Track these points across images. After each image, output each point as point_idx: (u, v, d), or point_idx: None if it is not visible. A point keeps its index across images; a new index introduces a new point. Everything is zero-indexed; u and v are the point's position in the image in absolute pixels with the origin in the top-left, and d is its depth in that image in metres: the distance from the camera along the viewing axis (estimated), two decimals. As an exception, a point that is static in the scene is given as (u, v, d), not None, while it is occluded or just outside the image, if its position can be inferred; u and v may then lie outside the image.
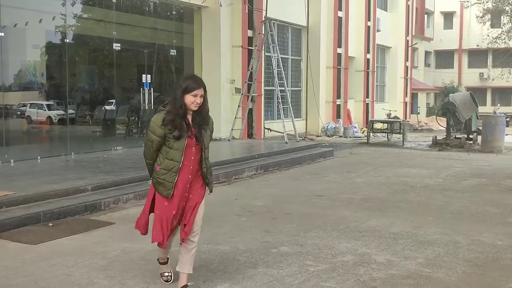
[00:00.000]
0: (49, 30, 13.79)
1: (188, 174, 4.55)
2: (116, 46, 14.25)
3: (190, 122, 4.52)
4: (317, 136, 21.71)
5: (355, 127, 23.82)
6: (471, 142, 18.80)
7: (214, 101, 16.81)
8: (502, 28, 36.30)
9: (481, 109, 21.94)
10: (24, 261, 5.63)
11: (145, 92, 15.08)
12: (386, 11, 31.47)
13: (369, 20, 27.38)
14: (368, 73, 27.65)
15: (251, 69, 17.47)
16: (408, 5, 33.29)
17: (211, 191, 4.79)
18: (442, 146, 18.41)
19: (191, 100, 4.42)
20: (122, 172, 10.18)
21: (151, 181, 4.71)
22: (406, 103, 33.58)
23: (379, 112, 28.39)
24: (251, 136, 18.03)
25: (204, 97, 4.51)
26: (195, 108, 4.47)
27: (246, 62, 17.46)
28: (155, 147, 4.51)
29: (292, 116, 17.93)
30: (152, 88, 15.26)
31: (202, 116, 4.55)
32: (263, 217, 7.74)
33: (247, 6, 17.37)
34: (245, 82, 17.27)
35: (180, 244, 4.68)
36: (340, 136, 22.29)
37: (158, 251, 4.98)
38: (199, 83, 4.47)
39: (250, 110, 17.85)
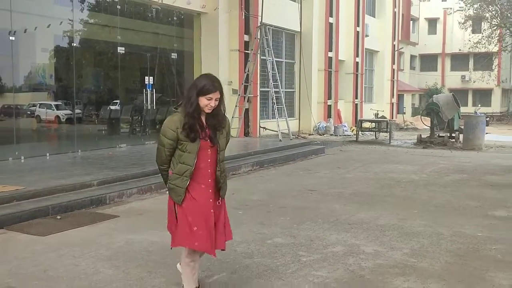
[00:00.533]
0: (57, 35, 13.75)
1: (207, 178, 4.05)
2: (120, 50, 14.22)
3: (204, 123, 4.02)
4: (310, 134, 21.71)
5: (345, 126, 23.83)
6: (454, 140, 18.83)
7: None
8: (482, 33, 36.37)
9: (463, 110, 21.94)
10: (33, 251, 5.62)
11: (147, 93, 15.09)
12: (374, 17, 31.46)
13: (358, 25, 27.36)
14: (357, 75, 27.65)
15: (248, 71, 17.45)
16: (395, 12, 33.29)
17: (222, 197, 4.20)
18: (426, 144, 18.44)
19: (205, 103, 3.92)
20: (126, 168, 10.16)
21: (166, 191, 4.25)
22: (392, 103, 33.61)
23: (367, 112, 28.41)
24: (247, 134, 18.01)
25: (221, 98, 3.97)
26: (209, 111, 3.97)
27: (243, 65, 17.45)
28: (167, 152, 4.01)
29: (286, 116, 17.92)
30: (154, 89, 15.27)
31: (217, 119, 4.04)
32: (258, 211, 7.74)
33: (243, 13, 17.35)
34: (242, 83, 17.26)
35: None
36: (331, 135, 22.30)
37: (185, 271, 4.25)
38: (215, 86, 3.93)
39: (247, 110, 17.83)
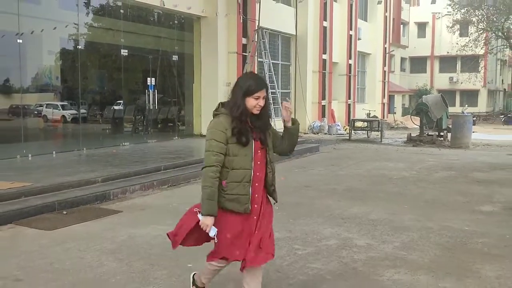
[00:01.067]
0: (63, 38, 13.75)
1: (258, 182, 3.52)
2: (124, 52, 14.20)
3: (250, 124, 3.52)
4: (304, 133, 21.69)
5: (338, 125, 23.83)
6: (442, 138, 18.85)
7: (212, 102, 16.75)
8: (469, 37, 36.47)
9: (451, 109, 21.98)
10: (41, 245, 5.61)
11: (149, 94, 15.09)
12: (366, 21, 31.45)
13: (351, 29, 27.36)
14: (350, 77, 27.65)
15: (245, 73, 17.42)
16: (386, 16, 33.29)
17: (276, 201, 3.70)
18: (416, 142, 18.46)
19: (253, 104, 3.43)
20: (129, 165, 10.14)
21: (197, 209, 3.52)
22: (384, 104, 33.61)
23: (360, 112, 28.40)
24: (245, 133, 17.98)
25: (266, 97, 3.52)
26: (257, 112, 3.47)
27: (241, 66, 17.41)
28: (218, 157, 3.36)
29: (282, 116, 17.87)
30: (156, 90, 15.27)
31: (263, 120, 3.55)
32: (256, 206, 7.72)
33: (241, 16, 17.32)
34: (240, 84, 17.22)
35: (242, 269, 3.59)
36: (325, 133, 22.30)
37: (204, 272, 3.92)
38: (261, 84, 3.49)
39: (244, 110, 17.80)
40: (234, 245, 3.48)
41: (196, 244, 3.71)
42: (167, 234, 3.82)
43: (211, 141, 3.39)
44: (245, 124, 3.46)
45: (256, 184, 3.49)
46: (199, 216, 3.42)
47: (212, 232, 3.40)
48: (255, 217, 3.51)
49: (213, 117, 3.53)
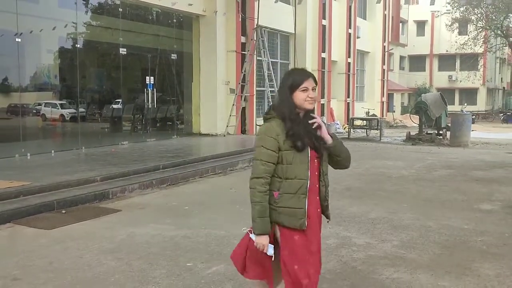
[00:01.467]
0: (61, 37, 13.73)
1: (315, 195, 3.12)
2: (122, 51, 14.19)
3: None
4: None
5: (338, 123, 23.85)
6: (441, 137, 18.86)
7: (211, 100, 16.81)
8: (468, 35, 36.50)
9: (450, 108, 22.01)
10: (39, 244, 5.61)
11: (148, 93, 15.09)
12: (365, 19, 31.45)
13: (350, 27, 27.36)
14: (349, 75, 27.66)
15: (244, 71, 17.42)
16: (385, 15, 33.29)
17: (328, 219, 3.29)
18: (415, 141, 18.47)
19: (303, 97, 3.03)
20: (128, 164, 10.13)
21: (246, 229, 3.18)
22: (383, 102, 33.63)
23: (359, 110, 28.42)
24: (244, 132, 17.99)
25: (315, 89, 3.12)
26: (311, 106, 3.08)
27: (240, 65, 17.42)
28: (268, 167, 2.98)
29: (281, 114, 17.88)
30: (155, 89, 15.27)
31: (312, 118, 3.12)
32: (255, 205, 7.72)
33: (240, 15, 17.32)
34: (239, 83, 17.23)
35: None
36: (324, 132, 22.27)
37: None
38: (305, 73, 3.11)
39: (243, 109, 17.81)
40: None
41: (264, 274, 3.19)
42: (231, 258, 3.37)
43: (260, 148, 3.01)
44: (300, 125, 3.05)
45: (312, 197, 3.09)
46: (252, 236, 3.06)
47: (270, 250, 3.04)
48: (310, 234, 3.10)
49: (264, 121, 3.15)
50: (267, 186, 2.99)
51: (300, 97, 3.03)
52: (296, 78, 3.07)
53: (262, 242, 3.00)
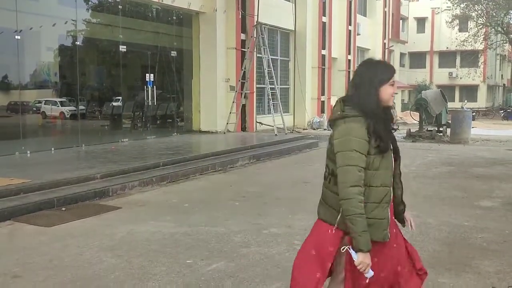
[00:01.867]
0: (61, 34, 13.70)
1: (391, 202, 2.86)
2: (122, 48, 14.18)
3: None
4: (304, 129, 21.69)
5: (338, 121, 23.80)
6: (441, 134, 18.83)
7: (211, 97, 16.80)
8: (469, 32, 36.47)
9: (450, 105, 21.96)
10: (39, 242, 5.61)
11: (148, 90, 15.08)
12: (365, 16, 31.41)
13: (350, 24, 27.32)
14: (349, 72, 27.60)
15: (244, 68, 17.41)
16: (385, 12, 33.25)
17: (403, 225, 3.10)
18: (415, 138, 18.45)
19: (390, 92, 2.77)
20: (128, 161, 10.14)
21: (346, 248, 2.72)
22: (383, 99, 33.58)
23: (359, 107, 28.38)
24: (244, 129, 17.98)
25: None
26: (392, 104, 2.85)
27: (240, 62, 17.40)
28: (363, 175, 2.66)
29: (281, 111, 17.89)
30: (154, 86, 15.26)
31: (391, 116, 2.87)
32: (255, 202, 7.73)
33: (240, 12, 17.29)
34: (239, 80, 17.22)
35: None
36: (324, 129, 22.24)
37: None
38: (391, 65, 2.88)
39: (243, 106, 17.80)
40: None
41: None
42: None
43: (352, 153, 2.63)
44: (387, 123, 2.78)
45: (391, 204, 2.84)
46: (353, 254, 2.65)
47: (371, 272, 2.67)
48: (394, 245, 2.86)
49: (340, 120, 2.75)
50: (362, 192, 2.65)
51: (388, 92, 2.76)
52: (385, 70, 2.79)
53: (366, 261, 2.64)
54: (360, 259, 2.63)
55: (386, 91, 2.75)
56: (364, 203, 2.65)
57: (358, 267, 2.65)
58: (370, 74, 2.76)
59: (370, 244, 2.64)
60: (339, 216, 2.75)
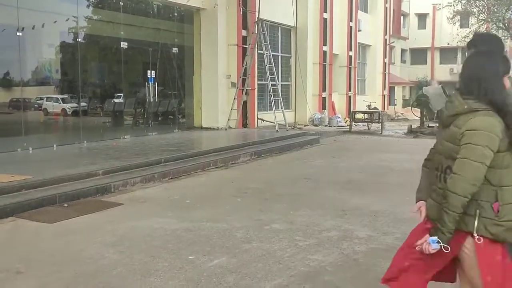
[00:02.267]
0: (63, 31, 13.69)
1: None
2: (124, 45, 14.15)
3: None
4: (305, 125, 21.67)
5: (339, 117, 23.80)
6: (442, 130, 18.81)
7: (213, 94, 16.78)
8: (470, 28, 36.35)
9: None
10: (42, 238, 5.61)
11: (150, 86, 15.07)
12: (367, 12, 31.34)
13: (351, 21, 27.26)
14: (350, 68, 27.58)
15: (245, 65, 17.37)
16: (386, 8, 33.17)
17: None
18: (416, 134, 18.43)
19: (508, 85, 2.59)
20: (130, 158, 10.13)
21: (439, 244, 2.57)
22: (384, 95, 33.54)
23: (360, 103, 28.34)
24: (246, 125, 17.96)
25: None
26: None
27: (241, 59, 17.37)
28: (485, 171, 2.48)
29: (282, 108, 17.88)
30: (156, 83, 15.24)
31: None
32: (257, 198, 7.73)
33: (241, 8, 17.26)
34: (240, 77, 17.19)
35: None
36: (326, 125, 22.27)
37: None
38: (509, 58, 2.65)
39: (245, 102, 17.77)
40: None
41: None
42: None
43: (484, 150, 2.44)
44: None
45: None
46: (435, 245, 2.61)
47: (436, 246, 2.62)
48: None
49: (468, 114, 2.53)
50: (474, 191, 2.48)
51: (507, 84, 2.55)
52: (505, 62, 2.58)
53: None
54: (434, 248, 2.57)
55: (506, 84, 2.56)
56: (503, 205, 2.49)
57: (426, 252, 2.62)
58: (494, 66, 2.56)
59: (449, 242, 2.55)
60: (476, 221, 2.54)
